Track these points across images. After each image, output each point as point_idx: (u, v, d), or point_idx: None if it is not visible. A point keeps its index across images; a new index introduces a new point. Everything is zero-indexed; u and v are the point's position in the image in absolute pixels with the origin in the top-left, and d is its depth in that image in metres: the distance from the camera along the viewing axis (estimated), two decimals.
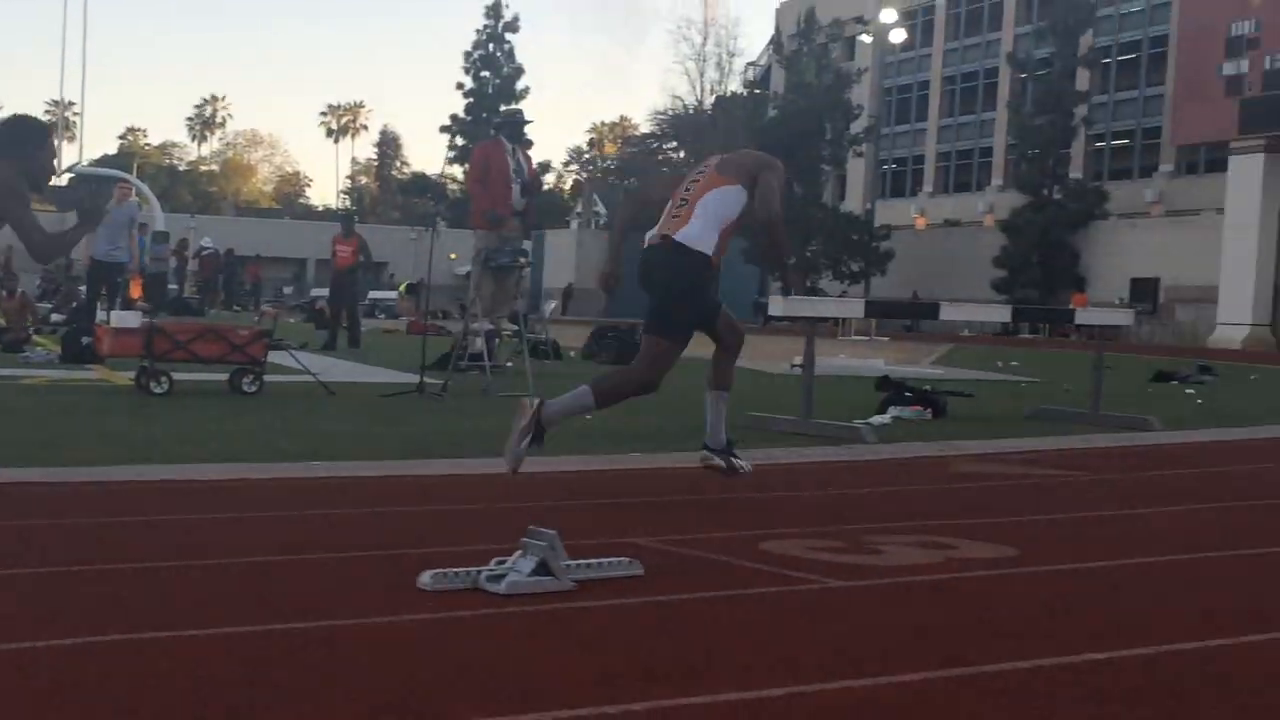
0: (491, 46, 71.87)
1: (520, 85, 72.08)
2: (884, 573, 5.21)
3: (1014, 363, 27.03)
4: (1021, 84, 56.38)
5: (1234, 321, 46.49)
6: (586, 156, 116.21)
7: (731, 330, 7.42)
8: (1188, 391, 19.27)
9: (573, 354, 21.05)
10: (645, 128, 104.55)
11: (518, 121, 14.72)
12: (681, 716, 3.25)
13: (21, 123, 7.63)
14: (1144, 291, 51.94)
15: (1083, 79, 54.53)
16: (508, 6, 71.99)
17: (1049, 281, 53.63)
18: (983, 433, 11.68)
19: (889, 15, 60.36)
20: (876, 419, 12.09)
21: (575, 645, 4.01)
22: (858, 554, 5.56)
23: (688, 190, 7.16)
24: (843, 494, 7.69)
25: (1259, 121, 45.42)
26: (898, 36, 61.15)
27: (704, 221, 6.97)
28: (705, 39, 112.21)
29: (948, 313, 14.26)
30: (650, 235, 7.32)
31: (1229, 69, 46.51)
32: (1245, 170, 46.30)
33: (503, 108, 65.00)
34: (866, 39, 64.57)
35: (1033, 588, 5.15)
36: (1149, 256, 52.07)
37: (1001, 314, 14.22)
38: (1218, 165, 48.60)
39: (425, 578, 4.54)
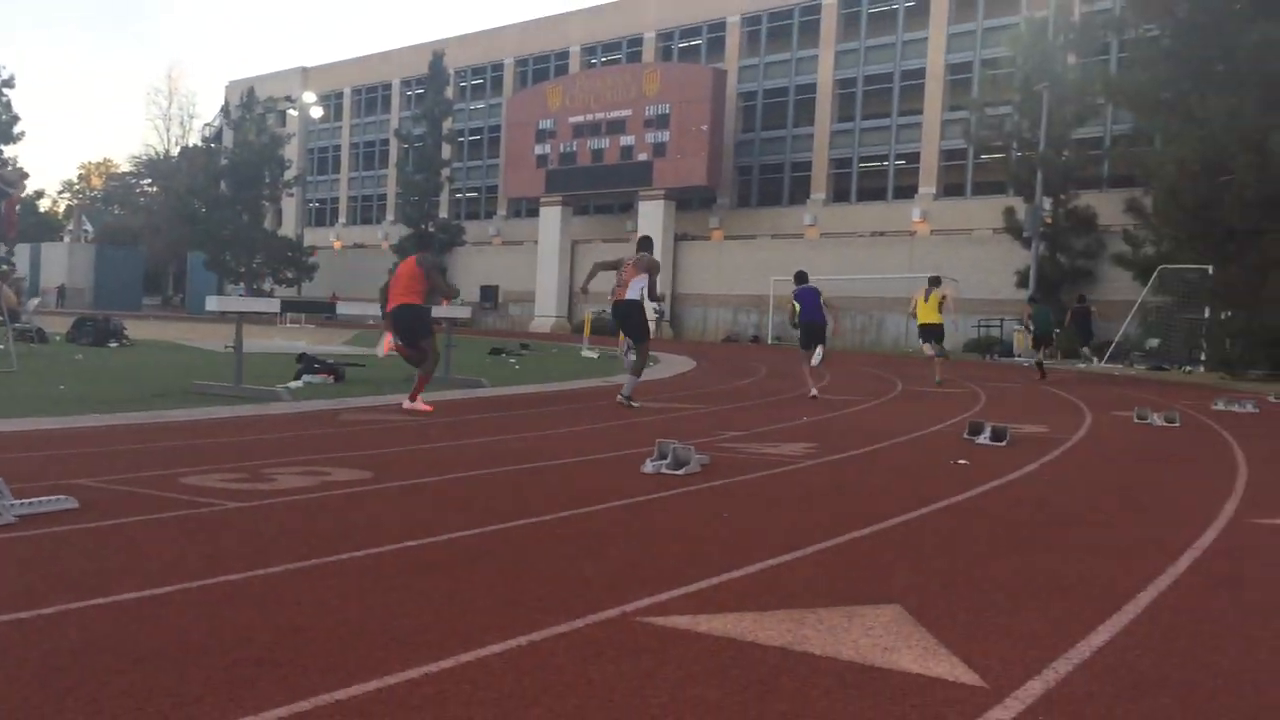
0: None
1: (17, 130, 62.92)
2: (272, 495, 4.98)
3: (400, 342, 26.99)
4: (405, 152, 56.27)
5: (545, 314, 49.05)
6: (76, 187, 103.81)
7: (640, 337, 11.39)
8: (511, 361, 20.06)
9: (58, 338, 18.81)
10: (125, 167, 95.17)
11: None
12: (86, 615, 2.95)
13: (428, 235, 10.58)
14: (490, 294, 53.62)
15: (447, 150, 55.30)
16: (4, 68, 62.63)
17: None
18: (369, 391, 11.55)
19: (310, 97, 58.35)
20: (293, 384, 11.68)
21: (8, 566, 3.54)
22: (255, 482, 5.30)
23: (624, 277, 11.06)
24: (256, 439, 7.30)
25: (557, 185, 48.16)
26: (317, 113, 59.24)
27: (636, 290, 11.02)
28: (170, 103, 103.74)
29: (342, 309, 13.96)
30: (612, 296, 11.23)
31: (539, 150, 48.86)
32: (550, 217, 48.94)
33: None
34: (294, 113, 62.17)
35: (378, 499, 5.12)
36: (493, 271, 53.77)
37: (377, 310, 14.09)
38: (534, 212, 50.93)
39: None
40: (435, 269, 10.41)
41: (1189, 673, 2.75)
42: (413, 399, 9.86)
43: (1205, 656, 2.89)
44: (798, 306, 13.65)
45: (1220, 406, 13.04)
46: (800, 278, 14.07)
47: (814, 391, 12.97)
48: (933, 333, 15.63)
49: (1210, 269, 23.59)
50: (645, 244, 11.67)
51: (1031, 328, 20.37)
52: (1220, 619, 3.31)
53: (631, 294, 10.96)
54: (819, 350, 13.33)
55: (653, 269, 11.13)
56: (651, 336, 11.71)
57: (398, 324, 10.20)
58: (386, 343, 10.62)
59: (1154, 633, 3.11)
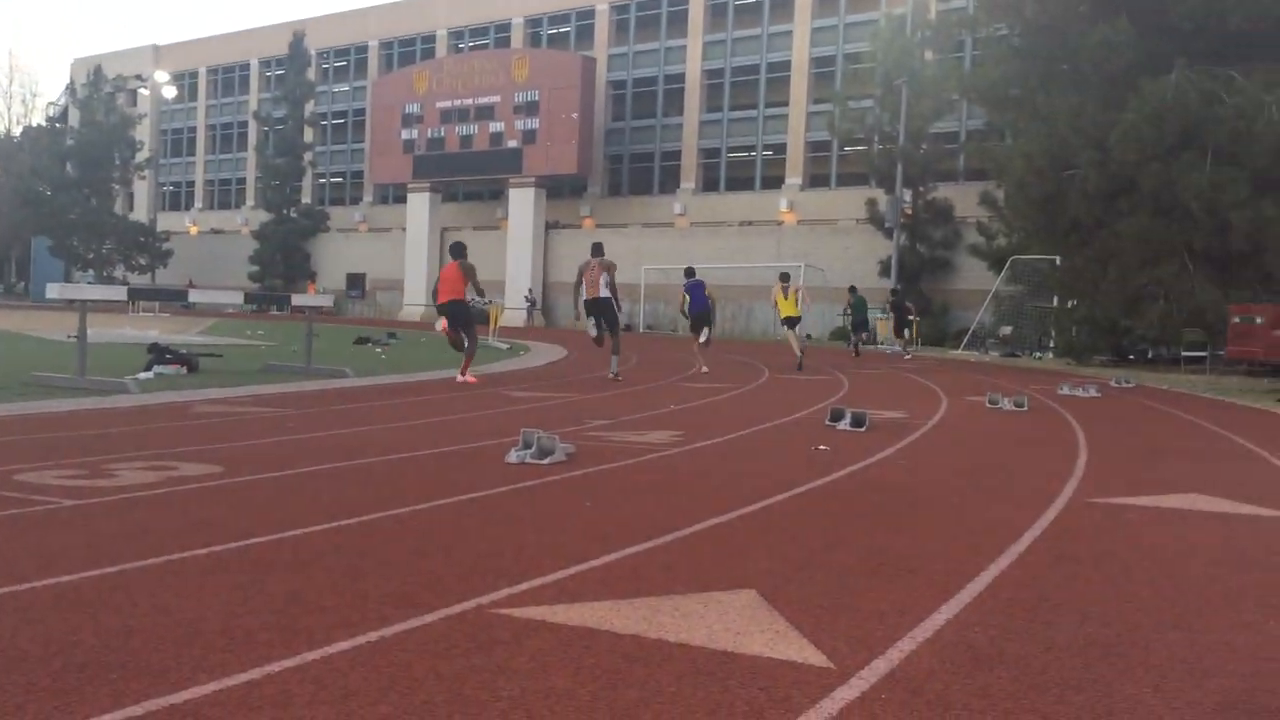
0: None
1: None
2: (112, 492, 4.75)
3: (260, 331, 26.24)
4: (265, 134, 54.63)
5: (415, 303, 48.28)
6: None
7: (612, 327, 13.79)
8: (377, 350, 19.68)
9: None
10: None
11: None
12: None
13: (459, 244, 13.13)
14: (356, 282, 52.54)
15: (309, 134, 53.88)
16: None
17: (290, 274, 52.72)
18: (224, 382, 11.17)
19: (162, 76, 56.01)
20: (141, 375, 11.22)
21: None
22: (96, 479, 5.06)
23: (592, 277, 13.43)
24: (99, 433, 6.96)
25: (425, 171, 47.45)
26: (170, 92, 56.94)
27: (607, 288, 13.39)
28: (11, 81, 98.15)
29: (194, 296, 13.44)
30: (585, 296, 13.63)
31: (405, 135, 48.03)
32: (418, 204, 48.18)
33: None
34: (145, 92, 59.54)
35: (226, 495, 4.93)
36: (359, 258, 52.71)
37: (235, 297, 13.61)
38: (401, 199, 50.07)
39: None
40: (473, 271, 12.88)
41: (1024, 647, 2.86)
42: (463, 374, 12.46)
43: (1040, 631, 3.02)
44: (687, 299, 16.32)
45: (1065, 391, 13.68)
46: (689, 273, 16.88)
47: (704, 368, 15.77)
48: (795, 322, 18.37)
49: (1057, 260, 24.72)
50: (598, 249, 13.83)
51: (850, 314, 24.18)
52: (1056, 595, 3.46)
53: (603, 292, 13.43)
54: (706, 331, 16.17)
55: (611, 268, 13.50)
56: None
57: (453, 314, 12.74)
58: (444, 324, 12.99)
59: (994, 610, 3.24)
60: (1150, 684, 2.61)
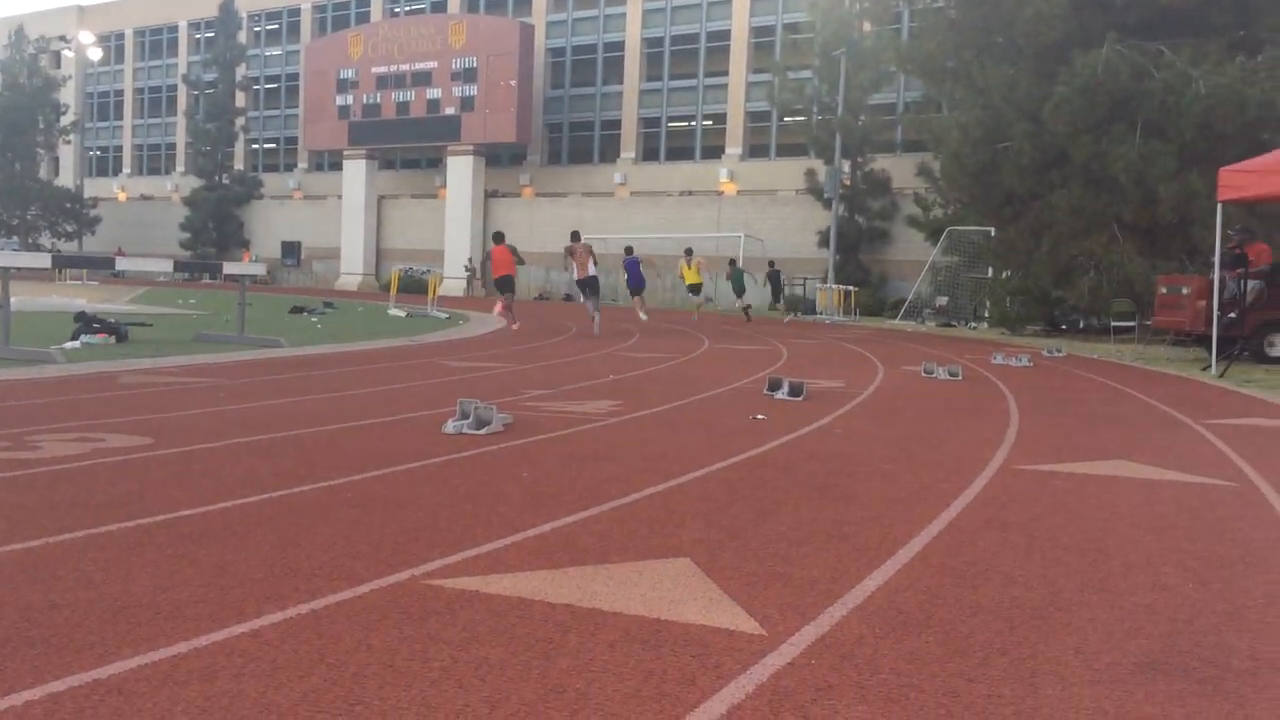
0: None
1: None
2: (36, 464, 4.64)
3: (192, 300, 25.72)
4: (195, 99, 53.30)
5: (352, 272, 47.62)
6: None
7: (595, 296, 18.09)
8: (312, 319, 19.39)
9: None
10: None
11: None
12: None
13: (500, 232, 18.13)
14: (291, 250, 51.67)
15: (241, 99, 52.67)
16: None
17: (223, 242, 51.70)
18: (154, 352, 10.94)
19: (87, 37, 54.29)
20: (68, 345, 10.96)
21: None
22: (18, 450, 4.93)
23: (582, 259, 17.34)
24: (21, 404, 6.77)
25: (361, 138, 46.67)
26: (95, 54, 55.19)
27: (592, 266, 17.36)
28: None
29: (123, 264, 13.09)
30: (576, 276, 17.66)
31: (340, 101, 47.13)
32: (354, 171, 47.41)
33: None
34: (70, 54, 57.70)
35: (155, 467, 4.83)
36: (294, 226, 51.78)
37: (166, 265, 13.30)
38: (337, 166, 49.22)
39: None
40: (515, 250, 17.35)
41: (951, 611, 2.92)
42: (512, 324, 17.58)
43: (967, 596, 3.08)
44: (626, 274, 21.03)
45: (999, 361, 13.92)
46: (628, 250, 21.76)
47: (643, 316, 20.71)
48: (698, 289, 24.59)
49: (992, 231, 25.07)
50: (576, 235, 18.17)
51: (732, 284, 28.62)
52: (983, 560, 3.53)
53: (591, 270, 17.52)
54: (641, 298, 21.22)
55: (591, 250, 17.85)
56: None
57: (505, 284, 17.36)
58: (500, 306, 17.93)
59: (923, 575, 3.29)
60: (1072, 646, 2.67)
